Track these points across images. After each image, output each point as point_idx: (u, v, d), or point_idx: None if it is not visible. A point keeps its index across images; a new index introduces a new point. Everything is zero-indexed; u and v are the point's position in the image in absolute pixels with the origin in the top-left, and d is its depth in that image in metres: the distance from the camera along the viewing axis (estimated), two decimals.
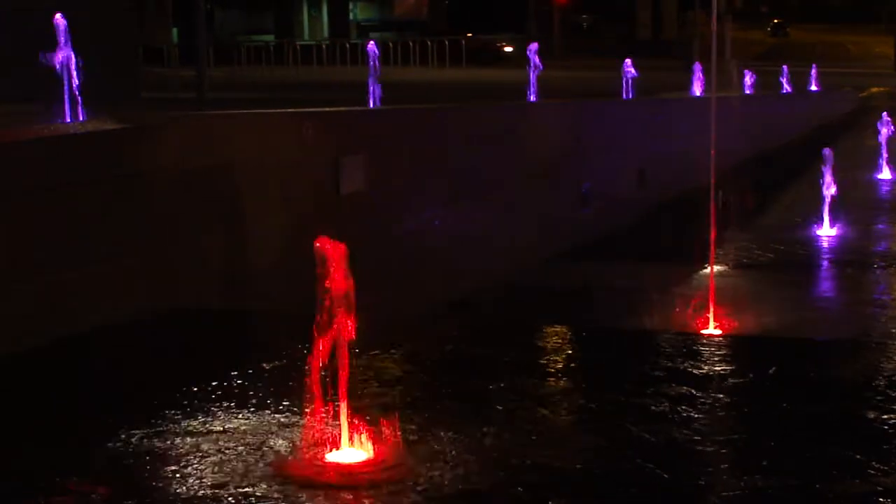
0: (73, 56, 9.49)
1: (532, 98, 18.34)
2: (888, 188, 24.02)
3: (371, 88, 17.13)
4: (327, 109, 12.64)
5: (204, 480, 5.44)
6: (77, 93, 9.51)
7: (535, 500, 5.20)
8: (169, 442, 5.96)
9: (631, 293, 13.42)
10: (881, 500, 5.24)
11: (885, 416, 6.42)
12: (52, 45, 9.39)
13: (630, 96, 21.86)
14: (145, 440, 5.98)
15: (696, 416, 6.44)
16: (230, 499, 5.23)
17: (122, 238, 8.44)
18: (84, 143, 8.55)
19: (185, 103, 15.35)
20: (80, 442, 6.02)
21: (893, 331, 11.37)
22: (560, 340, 8.72)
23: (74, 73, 9.48)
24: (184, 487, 5.36)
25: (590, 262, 15.25)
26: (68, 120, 9.42)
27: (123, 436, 6.03)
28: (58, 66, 9.43)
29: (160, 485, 5.39)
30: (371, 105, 16.55)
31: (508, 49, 57.47)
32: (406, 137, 12.54)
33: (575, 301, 12.88)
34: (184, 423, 6.23)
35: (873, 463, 5.68)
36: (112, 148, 8.65)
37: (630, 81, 21.71)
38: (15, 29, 14.03)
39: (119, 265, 8.38)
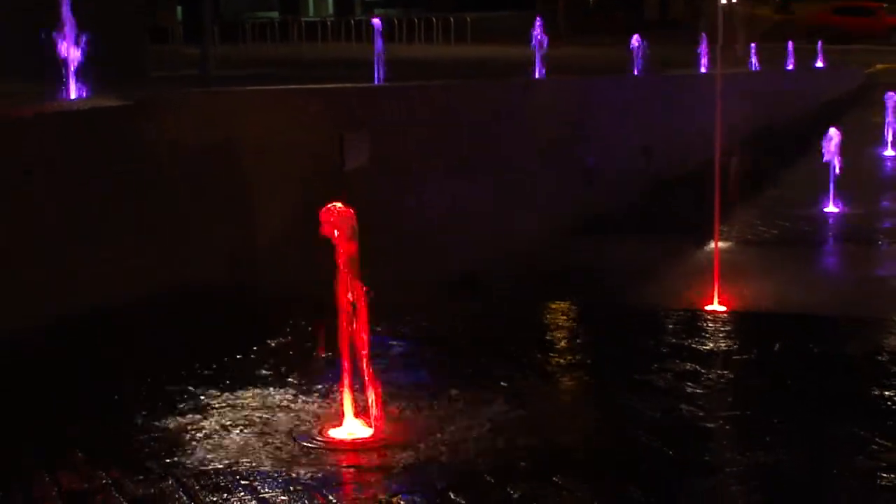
0: (78, 34, 9.47)
1: (537, 75, 18.30)
2: (893, 165, 24.00)
3: (376, 65, 17.11)
4: (331, 86, 12.62)
5: (211, 453, 5.46)
6: (82, 71, 9.50)
7: (539, 475, 5.21)
8: (175, 416, 5.99)
9: (635, 269, 13.43)
10: (885, 475, 5.25)
11: (889, 393, 6.43)
12: (58, 24, 9.37)
13: (636, 73, 21.81)
14: (150, 415, 6.01)
15: (701, 392, 6.45)
16: (236, 473, 5.26)
17: (125, 217, 8.44)
18: (88, 121, 8.55)
19: (189, 80, 15.33)
20: (91, 418, 6.05)
21: None
22: (564, 317, 8.73)
23: (79, 51, 9.46)
24: (195, 458, 5.39)
25: (595, 239, 15.25)
26: (73, 97, 9.42)
27: (130, 413, 6.07)
28: (62, 45, 9.42)
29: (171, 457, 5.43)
30: (375, 82, 16.53)
31: None
32: (410, 114, 12.53)
33: (579, 277, 12.89)
34: (189, 399, 6.25)
35: (877, 439, 5.69)
36: (116, 125, 8.65)
37: (637, 58, 21.65)
38: (20, 8, 14.01)
39: (124, 244, 8.39)
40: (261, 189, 9.67)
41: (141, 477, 5.20)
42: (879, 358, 7.20)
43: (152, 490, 5.07)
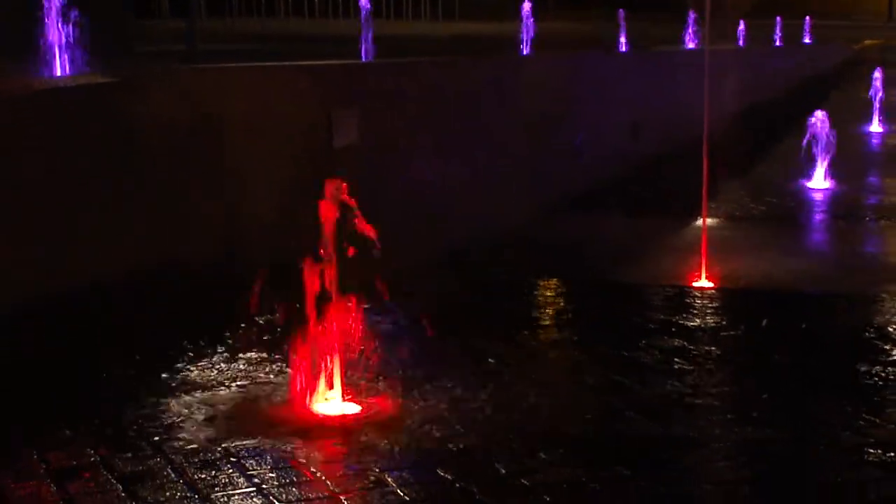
0: (63, 10, 9.43)
1: (525, 51, 18.27)
2: (879, 141, 24.03)
3: (363, 41, 17.07)
4: (319, 62, 12.58)
5: (200, 431, 5.47)
6: (68, 47, 9.46)
7: (527, 452, 5.23)
8: (162, 393, 5.99)
9: (623, 246, 13.43)
10: (871, 451, 5.28)
11: (876, 368, 6.46)
12: (42, 1, 9.32)
13: (624, 49, 21.79)
14: (137, 391, 6.02)
15: (688, 368, 6.47)
16: (225, 450, 5.26)
17: (114, 194, 8.42)
18: (75, 97, 8.52)
19: (176, 56, 15.27)
20: (79, 395, 6.05)
21: (884, 284, 11.40)
22: (552, 293, 8.74)
23: (65, 27, 9.42)
24: (184, 436, 5.39)
25: (583, 215, 15.25)
26: (59, 74, 9.38)
27: (118, 390, 6.07)
28: (48, 20, 9.38)
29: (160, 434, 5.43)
30: (363, 58, 16.50)
31: None
32: (399, 90, 12.49)
33: (567, 254, 12.89)
34: (176, 375, 6.25)
35: (864, 414, 5.72)
36: (103, 102, 8.62)
37: (623, 33, 21.62)
38: None
39: (113, 221, 8.37)
40: (249, 166, 9.65)
41: (129, 454, 5.21)
42: (866, 334, 7.23)
43: (140, 467, 5.08)
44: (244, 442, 5.36)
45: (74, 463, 5.11)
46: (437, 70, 14.02)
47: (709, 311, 7.82)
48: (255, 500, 4.77)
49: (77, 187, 8.09)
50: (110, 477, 4.98)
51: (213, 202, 9.32)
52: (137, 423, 5.60)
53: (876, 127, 24.85)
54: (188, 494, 4.81)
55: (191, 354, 6.65)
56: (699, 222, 12.32)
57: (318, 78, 11.24)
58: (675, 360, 6.58)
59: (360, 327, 5.78)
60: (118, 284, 7.96)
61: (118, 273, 8.07)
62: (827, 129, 17.51)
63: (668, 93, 21.47)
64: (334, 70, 12.13)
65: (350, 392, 5.82)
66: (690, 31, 25.09)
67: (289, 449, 5.28)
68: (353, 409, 5.73)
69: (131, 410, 5.78)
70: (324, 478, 4.98)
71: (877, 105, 24.98)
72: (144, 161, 8.70)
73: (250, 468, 5.07)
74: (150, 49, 17.47)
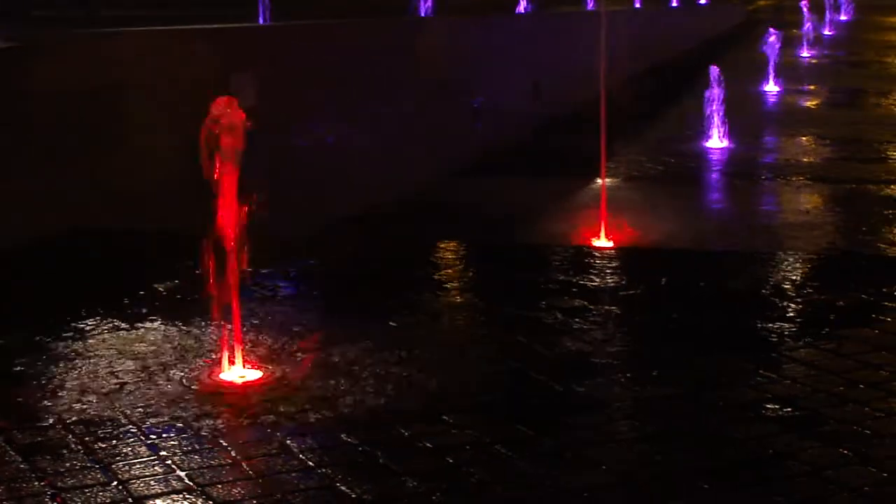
0: None
1: (423, 12, 18.25)
2: (774, 100, 24.36)
3: (260, 4, 16.94)
4: (217, 26, 12.46)
5: (102, 401, 5.42)
6: None
7: (429, 415, 5.25)
8: (62, 363, 5.92)
9: (523, 207, 13.50)
10: (769, 406, 5.38)
11: (773, 325, 6.57)
12: None
13: (524, 9, 21.85)
14: (37, 361, 5.94)
15: (589, 328, 6.53)
16: (127, 420, 5.22)
17: (11, 160, 8.29)
18: None
19: (73, 21, 15.02)
20: None
21: (781, 242, 11.59)
22: (453, 256, 8.76)
23: None
24: (85, 406, 5.34)
25: (483, 177, 15.30)
26: None
27: (16, 360, 5.98)
28: None
29: (48, 406, 5.37)
30: (261, 20, 16.37)
31: None
32: (297, 53, 12.42)
33: (468, 216, 12.94)
34: (76, 344, 6.18)
35: (761, 371, 5.81)
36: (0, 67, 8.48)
37: None
38: None
39: (10, 187, 8.24)
40: (148, 131, 9.55)
41: (28, 425, 5.15)
42: (763, 291, 7.34)
43: (40, 439, 5.02)
44: (146, 411, 5.32)
45: None
46: (336, 32, 13.96)
47: (608, 270, 7.89)
48: (156, 468, 4.74)
49: None
50: (9, 449, 4.91)
51: (111, 166, 9.22)
52: (37, 394, 5.53)
53: (771, 87, 25.19)
54: (89, 465, 4.77)
55: (91, 323, 6.57)
56: (598, 182, 12.43)
57: (217, 42, 11.15)
58: (576, 320, 6.64)
59: (261, 293, 5.76)
60: (17, 252, 7.85)
61: (17, 240, 7.96)
62: (723, 89, 17.72)
63: (568, 55, 21.57)
64: (233, 33, 12.03)
65: (251, 359, 5.80)
66: None
67: (191, 417, 5.25)
68: (254, 375, 5.71)
69: (30, 381, 5.70)
70: (227, 445, 4.96)
71: (772, 65, 25.33)
72: (42, 126, 8.58)
73: (152, 437, 5.03)
74: (48, 14, 17.17)
